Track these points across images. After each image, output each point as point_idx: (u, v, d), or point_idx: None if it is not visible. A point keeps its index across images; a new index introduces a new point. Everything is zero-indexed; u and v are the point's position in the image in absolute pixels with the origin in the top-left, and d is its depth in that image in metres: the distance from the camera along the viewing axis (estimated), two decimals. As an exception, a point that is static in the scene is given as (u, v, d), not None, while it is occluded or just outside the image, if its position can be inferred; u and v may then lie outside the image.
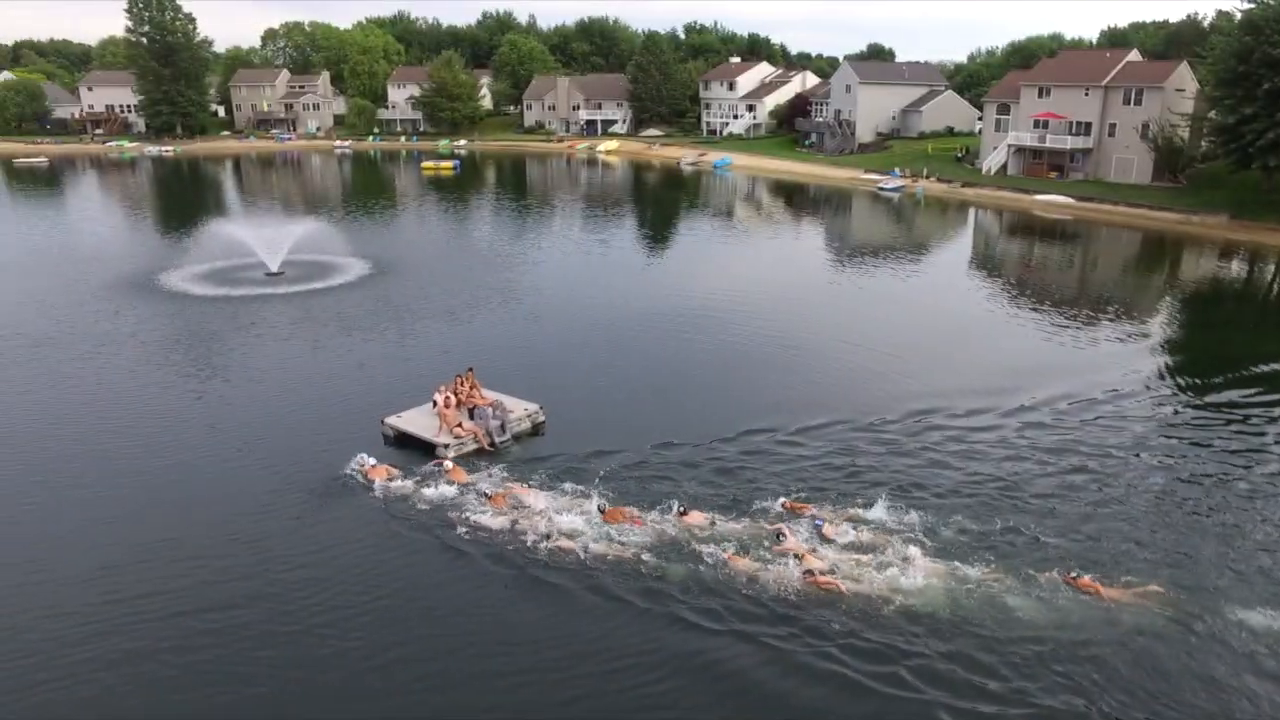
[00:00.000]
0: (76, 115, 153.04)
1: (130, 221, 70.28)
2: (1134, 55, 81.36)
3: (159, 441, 24.06)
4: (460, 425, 23.56)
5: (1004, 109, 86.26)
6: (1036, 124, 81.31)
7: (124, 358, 31.59)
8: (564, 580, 17.14)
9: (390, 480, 21.19)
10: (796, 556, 17.46)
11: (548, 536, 18.39)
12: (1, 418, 25.80)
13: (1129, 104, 75.50)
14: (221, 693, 14.27)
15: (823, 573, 16.93)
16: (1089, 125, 78.24)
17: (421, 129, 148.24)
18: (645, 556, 17.77)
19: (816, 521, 18.89)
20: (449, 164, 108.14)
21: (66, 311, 37.81)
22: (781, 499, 19.97)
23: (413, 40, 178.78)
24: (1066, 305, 40.65)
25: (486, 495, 20.20)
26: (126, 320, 36.66)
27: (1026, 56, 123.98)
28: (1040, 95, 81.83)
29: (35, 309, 38.19)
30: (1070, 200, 71.75)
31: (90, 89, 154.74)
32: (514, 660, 15.03)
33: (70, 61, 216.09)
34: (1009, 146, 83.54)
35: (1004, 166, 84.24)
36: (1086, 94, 78.10)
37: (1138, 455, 23.16)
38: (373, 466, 21.65)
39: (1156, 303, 43.43)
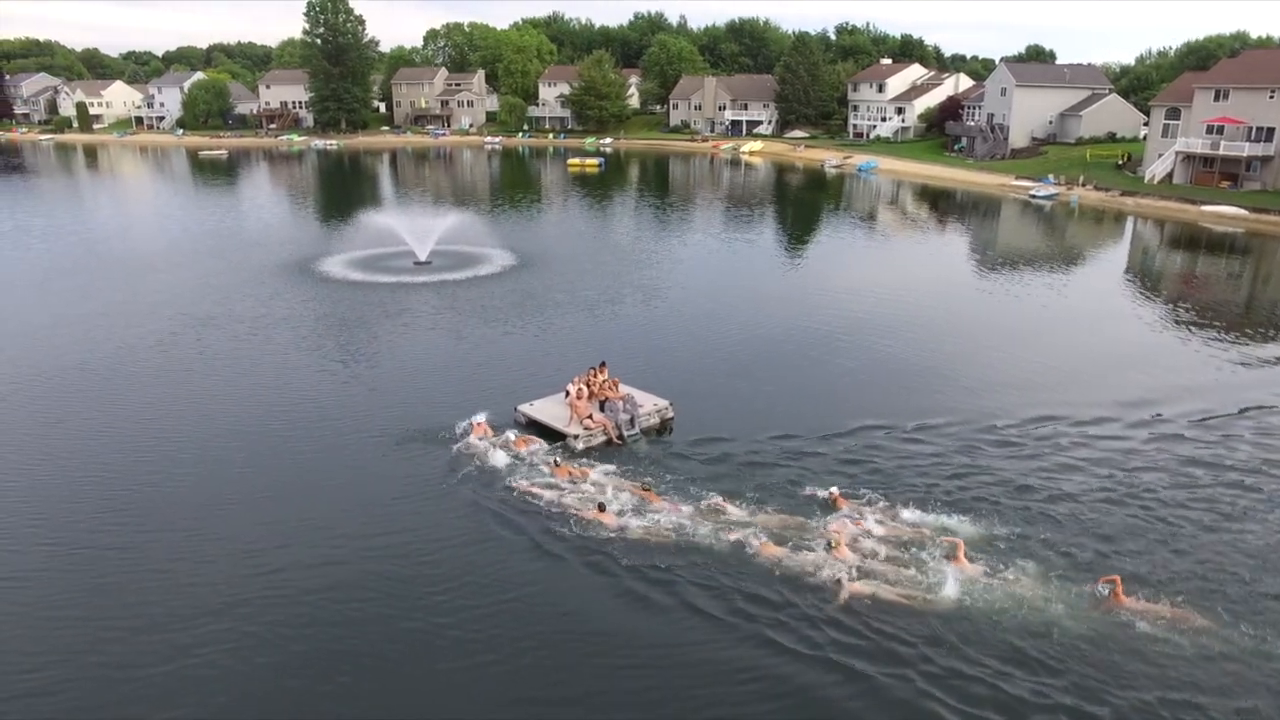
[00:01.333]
0: (255, 111, 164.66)
1: (293, 209, 75.22)
2: (1329, 55, 75.04)
3: (305, 423, 25.38)
4: (590, 417, 24.34)
5: (1173, 113, 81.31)
6: (1210, 129, 76.23)
7: (278, 341, 33.52)
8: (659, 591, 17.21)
9: (486, 438, 23.17)
10: (829, 545, 17.71)
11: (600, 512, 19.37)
12: (162, 395, 27.65)
13: (1320, 108, 69.87)
14: (341, 675, 14.70)
15: (853, 578, 16.84)
16: (1271, 131, 72.64)
17: (569, 126, 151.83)
18: (675, 537, 18.58)
19: (848, 516, 19.15)
20: (594, 161, 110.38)
21: (229, 293, 40.77)
22: (831, 489, 20.30)
23: (565, 40, 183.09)
24: (1229, 322, 38.21)
25: (546, 467, 21.55)
26: (282, 304, 39.11)
27: (1203, 57, 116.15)
28: (1216, 98, 76.65)
29: (202, 290, 41.38)
30: (1243, 211, 67.07)
31: (268, 87, 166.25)
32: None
33: (253, 62, 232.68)
34: (1176, 153, 78.65)
35: (1169, 175, 79.32)
36: (1271, 96, 72.53)
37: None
38: (478, 423, 23.74)
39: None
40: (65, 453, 23.36)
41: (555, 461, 22.14)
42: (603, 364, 26.58)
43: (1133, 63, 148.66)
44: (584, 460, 22.71)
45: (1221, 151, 74.93)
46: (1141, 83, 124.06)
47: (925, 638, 15.41)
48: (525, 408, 25.30)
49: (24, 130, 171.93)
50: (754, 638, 15.54)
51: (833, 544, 17.72)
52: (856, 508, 19.61)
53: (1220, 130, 75.45)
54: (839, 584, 16.63)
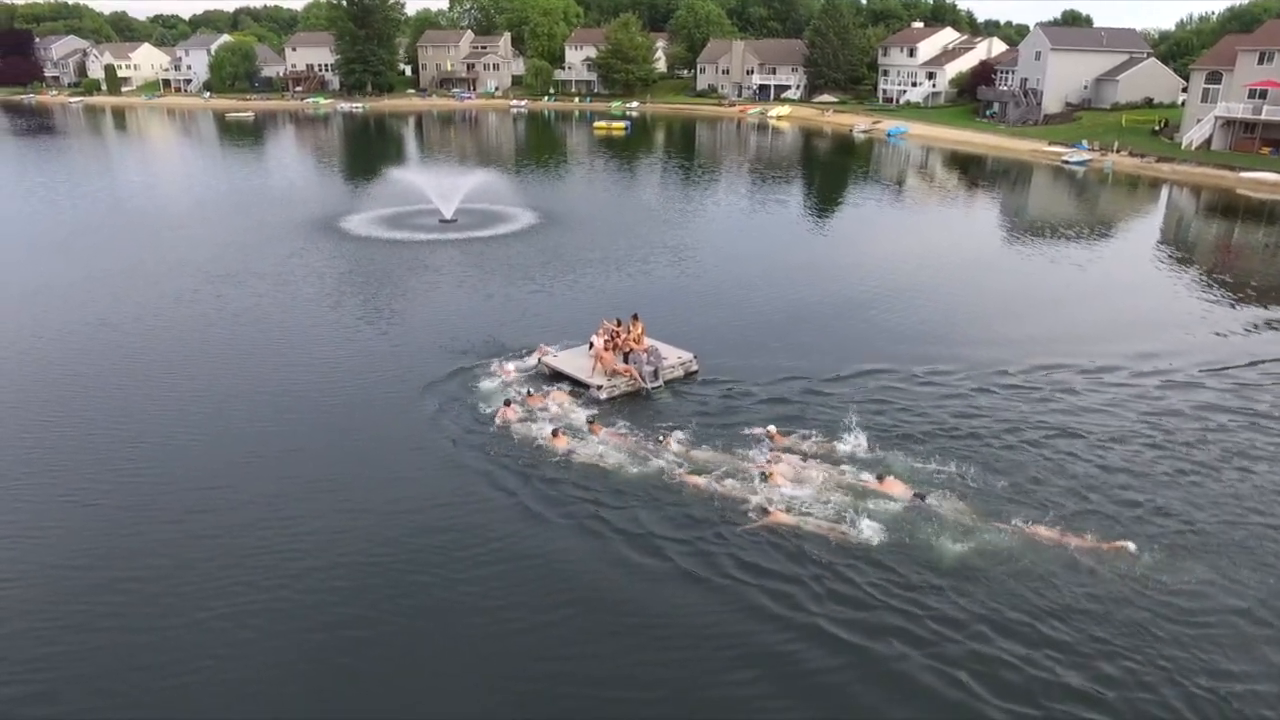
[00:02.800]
0: (281, 74, 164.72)
1: (318, 170, 75.31)
2: (1378, 17, 72.68)
3: (328, 380, 25.02)
4: (615, 368, 24.21)
5: (1214, 78, 79.21)
6: (1252, 93, 74.26)
7: (302, 297, 33.30)
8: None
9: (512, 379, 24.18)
10: (763, 476, 18.29)
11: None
12: (182, 352, 27.29)
13: (1369, 70, 67.80)
14: (353, 637, 14.32)
15: (779, 508, 17.25)
16: (1317, 95, 70.84)
17: (595, 90, 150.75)
18: (621, 468, 19.33)
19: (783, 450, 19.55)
20: (620, 124, 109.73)
21: (252, 250, 40.74)
22: (769, 427, 20.64)
23: (592, 2, 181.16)
24: (1264, 290, 37.39)
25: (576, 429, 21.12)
26: (306, 260, 38.99)
27: (1247, 22, 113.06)
28: (1260, 61, 74.39)
29: (224, 247, 41.38)
30: (1284, 178, 65.50)
31: (294, 49, 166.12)
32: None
33: (280, 25, 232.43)
34: (1216, 119, 76.81)
35: (1208, 141, 77.53)
36: (1317, 60, 70.67)
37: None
38: (506, 368, 24.94)
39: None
40: (84, 409, 23.01)
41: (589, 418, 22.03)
42: (635, 316, 26.25)
43: (1173, 28, 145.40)
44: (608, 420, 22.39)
45: (1264, 117, 72.98)
46: (1181, 48, 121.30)
47: (853, 562, 15.79)
48: (550, 358, 25.22)
49: (54, 93, 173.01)
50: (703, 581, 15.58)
51: (766, 475, 18.31)
52: (795, 443, 20.13)
53: (1263, 94, 73.42)
54: (763, 512, 17.17)
